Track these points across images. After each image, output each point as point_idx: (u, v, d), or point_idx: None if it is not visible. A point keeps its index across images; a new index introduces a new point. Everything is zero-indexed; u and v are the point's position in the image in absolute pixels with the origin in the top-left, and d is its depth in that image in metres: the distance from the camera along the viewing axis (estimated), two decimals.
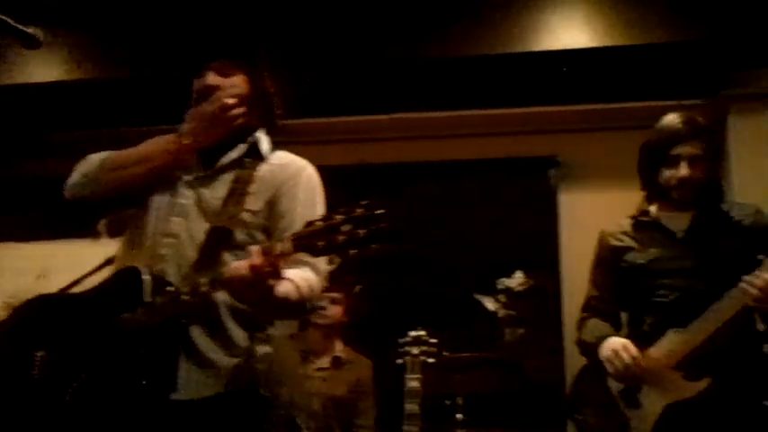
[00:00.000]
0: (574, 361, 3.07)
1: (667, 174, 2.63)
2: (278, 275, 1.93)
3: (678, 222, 2.67)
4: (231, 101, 2.19)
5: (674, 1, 3.93)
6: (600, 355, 2.63)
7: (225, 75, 2.23)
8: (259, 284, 1.89)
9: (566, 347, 4.13)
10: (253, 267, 1.86)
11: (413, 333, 3.22)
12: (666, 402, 2.46)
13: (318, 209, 2.23)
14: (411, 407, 3.01)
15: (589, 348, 2.72)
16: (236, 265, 1.91)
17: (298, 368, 3.96)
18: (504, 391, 3.95)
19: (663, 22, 3.89)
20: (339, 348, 4.05)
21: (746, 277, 2.37)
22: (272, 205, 2.19)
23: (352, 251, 1.74)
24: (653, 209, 2.76)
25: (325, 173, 4.68)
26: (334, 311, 4.02)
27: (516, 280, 4.41)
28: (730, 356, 2.47)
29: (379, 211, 1.73)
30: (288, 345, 4.05)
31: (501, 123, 4.64)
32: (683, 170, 2.59)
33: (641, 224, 2.76)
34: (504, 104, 4.55)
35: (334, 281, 4.12)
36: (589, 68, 4.18)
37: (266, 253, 1.86)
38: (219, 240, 2.09)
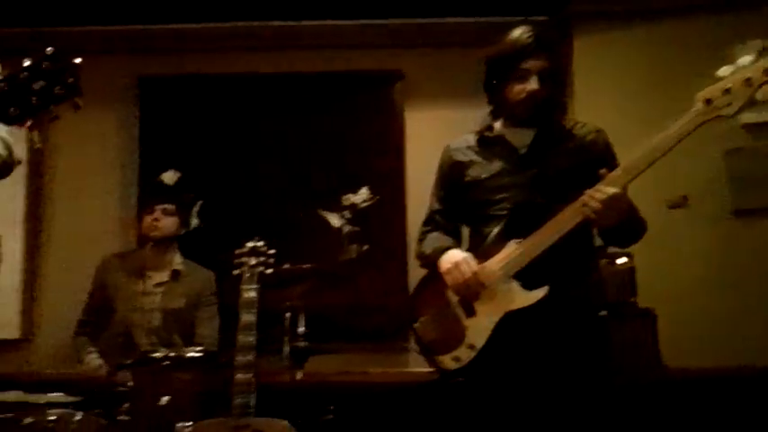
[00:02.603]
0: (417, 276, 3.07)
1: (517, 88, 2.57)
2: None
3: (521, 138, 2.64)
4: None
5: None
6: (440, 267, 2.61)
7: None
8: None
9: (409, 263, 4.14)
10: None
11: (249, 243, 3.11)
12: (504, 311, 2.48)
13: None
14: (247, 317, 2.93)
15: (428, 260, 2.70)
16: None
17: (133, 286, 3.84)
18: (345, 304, 3.95)
19: None
20: (177, 261, 3.94)
21: (589, 191, 2.39)
22: None
23: (51, 112, 1.58)
24: (497, 125, 2.72)
25: (166, 82, 4.53)
26: (169, 224, 3.89)
27: (361, 196, 4.35)
28: (568, 268, 2.49)
29: (70, 60, 1.56)
30: (121, 263, 3.93)
31: (345, 35, 4.50)
32: (533, 84, 2.54)
33: (485, 140, 2.72)
34: (348, 16, 4.42)
35: (170, 194, 4.08)
36: None
37: None
38: None
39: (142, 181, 4.52)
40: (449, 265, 2.57)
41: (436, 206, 2.81)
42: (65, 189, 4.63)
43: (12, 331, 4.41)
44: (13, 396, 3.33)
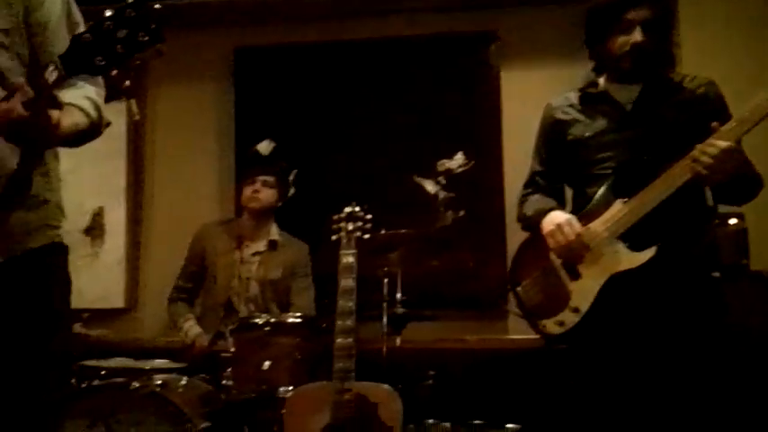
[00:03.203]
0: (515, 242, 3.02)
1: (621, 40, 2.47)
2: (57, 105, 1.73)
3: (627, 94, 2.54)
4: None
5: None
6: (542, 229, 2.55)
7: None
8: (39, 122, 1.69)
9: (507, 228, 4.07)
10: (27, 105, 1.64)
11: (347, 209, 3.11)
12: (610, 273, 2.40)
13: (77, 16, 1.98)
14: (346, 282, 2.93)
15: (530, 222, 2.65)
16: (4, 107, 1.67)
17: (233, 254, 3.90)
18: (442, 270, 3.92)
19: None
20: (274, 232, 3.98)
21: (699, 145, 2.28)
22: (26, 19, 1.91)
23: (135, 59, 1.57)
24: (601, 81, 2.63)
25: (261, 53, 4.56)
26: (269, 195, 3.94)
27: (456, 161, 4.28)
28: (679, 228, 2.39)
29: (152, 6, 1.56)
30: (220, 231, 3.99)
31: None
32: (638, 35, 2.43)
33: (588, 96, 2.63)
34: None
35: (266, 164, 4.13)
36: None
37: (37, 84, 1.65)
38: None
39: (238, 151, 4.57)
40: (551, 227, 2.51)
41: (537, 167, 2.74)
42: (164, 161, 4.72)
43: (116, 301, 4.55)
44: (120, 362, 3.46)
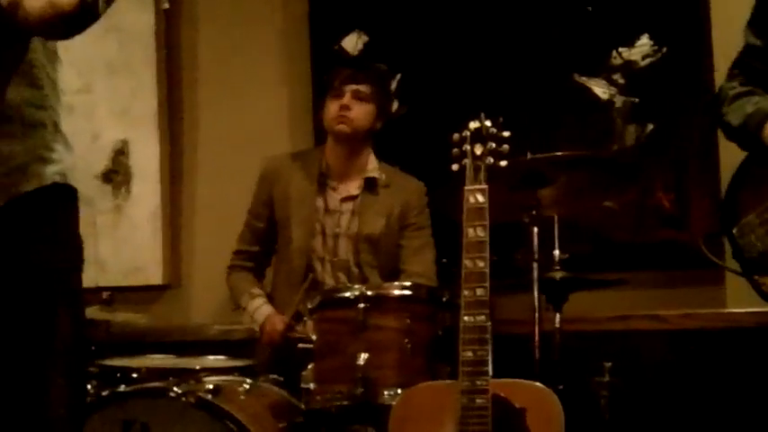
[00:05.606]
0: (732, 168, 2.95)
1: None
2: None
3: None
4: None
5: None
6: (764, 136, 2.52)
7: None
8: None
9: (721, 149, 3.97)
10: None
11: (472, 124, 3.01)
12: None
13: None
14: (474, 232, 2.88)
15: (738, 133, 2.66)
16: None
17: (313, 200, 3.94)
18: (621, 214, 3.86)
19: None
20: (373, 167, 3.99)
21: None
22: None
23: None
24: None
25: None
26: (363, 113, 3.92)
27: (641, 49, 4.21)
28: None
29: None
30: (294, 168, 4.02)
31: None
32: None
33: None
34: None
35: (356, 67, 4.11)
36: None
37: None
38: None
39: (315, 53, 4.60)
40: None
41: (753, 39, 2.72)
42: (211, 71, 4.80)
43: (152, 276, 4.68)
44: (156, 360, 3.55)
